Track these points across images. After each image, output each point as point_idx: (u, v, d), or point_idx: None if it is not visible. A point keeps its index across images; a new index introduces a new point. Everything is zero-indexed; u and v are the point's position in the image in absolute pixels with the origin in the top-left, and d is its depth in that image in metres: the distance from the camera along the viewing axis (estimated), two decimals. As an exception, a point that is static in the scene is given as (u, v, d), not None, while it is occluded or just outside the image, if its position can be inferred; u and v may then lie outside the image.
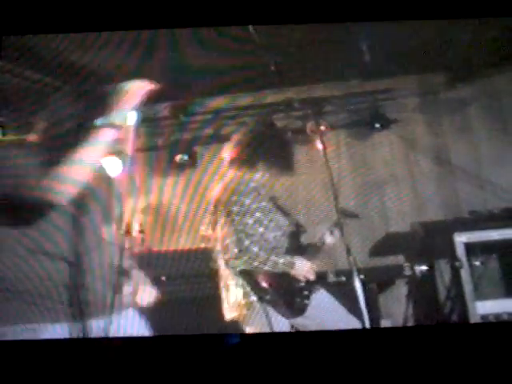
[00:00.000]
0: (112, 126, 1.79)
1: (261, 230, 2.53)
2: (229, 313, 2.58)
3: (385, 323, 3.32)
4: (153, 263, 3.26)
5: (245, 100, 3.63)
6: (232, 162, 2.70)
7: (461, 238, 3.21)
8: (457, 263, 3.17)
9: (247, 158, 2.67)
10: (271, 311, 2.47)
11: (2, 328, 1.77)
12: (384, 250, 3.54)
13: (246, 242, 2.49)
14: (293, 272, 2.53)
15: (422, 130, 3.91)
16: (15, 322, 1.77)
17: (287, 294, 2.52)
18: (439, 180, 3.81)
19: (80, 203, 1.85)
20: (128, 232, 3.47)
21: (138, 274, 2.15)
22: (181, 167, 3.91)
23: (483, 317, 3.10)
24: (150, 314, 2.03)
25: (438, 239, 3.35)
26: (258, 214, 2.54)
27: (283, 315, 2.49)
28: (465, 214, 3.55)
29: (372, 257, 3.53)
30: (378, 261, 3.50)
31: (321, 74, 3.41)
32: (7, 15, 2.45)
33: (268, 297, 2.48)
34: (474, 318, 3.10)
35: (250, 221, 2.52)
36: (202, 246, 3.01)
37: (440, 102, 3.89)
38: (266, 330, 2.45)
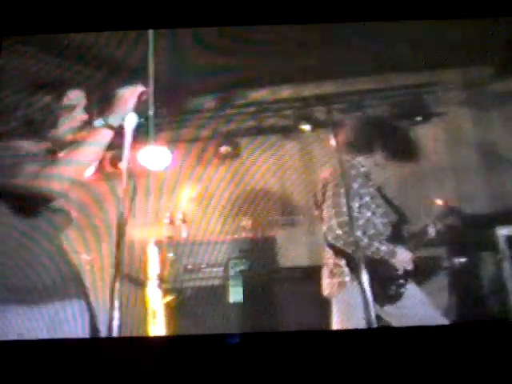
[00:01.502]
0: (109, 127, 1.93)
1: (368, 214, 2.59)
2: (323, 289, 2.64)
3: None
4: (194, 252, 3.37)
5: (285, 93, 3.69)
6: (346, 145, 2.78)
7: (503, 231, 3.18)
8: (498, 256, 3.14)
9: (361, 143, 2.74)
10: (361, 296, 2.47)
11: None
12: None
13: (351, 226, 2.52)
14: (393, 261, 2.56)
15: (466, 122, 3.83)
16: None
17: (382, 280, 2.54)
18: (484, 173, 3.74)
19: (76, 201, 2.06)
20: (172, 221, 3.63)
21: None
22: (225, 158, 4.01)
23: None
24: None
25: (481, 232, 3.31)
26: (367, 199, 2.60)
27: (374, 300, 2.47)
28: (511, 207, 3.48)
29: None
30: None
31: (360, 67, 3.41)
32: (7, 15, 2.55)
33: (362, 280, 2.49)
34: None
35: (357, 204, 2.57)
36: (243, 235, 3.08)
37: (487, 95, 3.81)
38: (351, 313, 2.47)
